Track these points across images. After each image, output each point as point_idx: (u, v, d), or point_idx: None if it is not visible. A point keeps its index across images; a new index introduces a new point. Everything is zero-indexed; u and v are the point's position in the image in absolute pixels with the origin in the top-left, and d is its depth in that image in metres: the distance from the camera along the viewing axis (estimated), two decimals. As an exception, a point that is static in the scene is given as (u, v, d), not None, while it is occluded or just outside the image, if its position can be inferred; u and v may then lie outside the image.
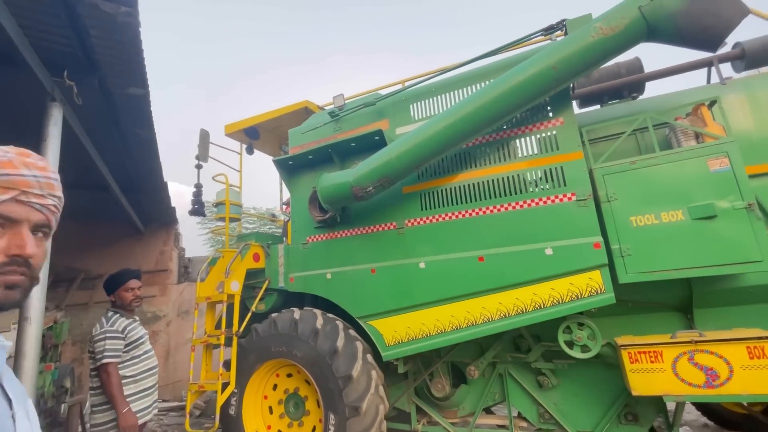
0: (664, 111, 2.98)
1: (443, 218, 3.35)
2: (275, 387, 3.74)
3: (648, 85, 3.42)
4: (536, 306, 2.95)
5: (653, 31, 2.58)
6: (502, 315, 3.04)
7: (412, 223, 3.45)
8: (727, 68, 3.30)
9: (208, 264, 4.23)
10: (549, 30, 3.07)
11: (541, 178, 3.08)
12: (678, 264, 2.63)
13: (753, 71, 3.15)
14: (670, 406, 3.05)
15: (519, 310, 2.99)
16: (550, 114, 3.10)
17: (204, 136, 4.24)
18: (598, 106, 3.60)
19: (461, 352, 3.64)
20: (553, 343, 3.19)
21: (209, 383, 3.61)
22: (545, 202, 3.03)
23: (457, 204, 3.31)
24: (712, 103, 2.80)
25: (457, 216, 3.30)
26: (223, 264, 3.97)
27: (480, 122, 2.97)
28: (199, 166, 4.25)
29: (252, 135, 4.83)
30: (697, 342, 2.61)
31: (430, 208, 3.41)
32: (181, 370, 7.78)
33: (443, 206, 3.36)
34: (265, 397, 3.74)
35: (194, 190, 4.38)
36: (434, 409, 3.72)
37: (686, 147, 2.75)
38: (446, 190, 3.38)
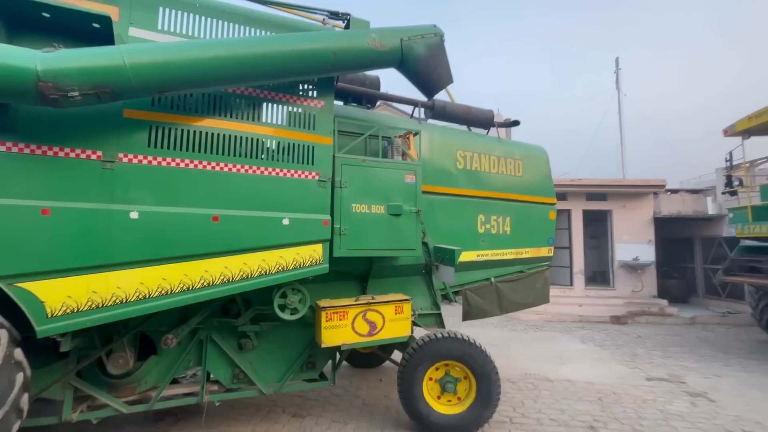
0: (389, 128, 3.80)
1: (178, 164, 2.78)
2: None
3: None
4: (262, 272, 3.01)
5: (403, 63, 3.25)
6: (225, 280, 2.89)
7: (131, 160, 2.65)
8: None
9: None
10: (334, 15, 3.21)
11: (292, 151, 3.15)
12: (374, 246, 3.45)
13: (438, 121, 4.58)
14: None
15: (244, 276, 2.95)
16: (315, 95, 3.24)
17: None
18: (341, 103, 4.08)
19: (158, 319, 3.15)
20: (265, 306, 3.36)
21: None
22: (292, 175, 3.14)
23: (199, 152, 2.84)
24: (416, 133, 3.85)
25: (196, 165, 2.83)
26: None
27: (256, 70, 2.73)
28: None
29: None
30: (370, 303, 3.50)
31: (163, 147, 2.74)
32: None
33: (181, 150, 2.79)
34: None
35: None
36: (103, 389, 3.02)
37: (397, 160, 3.64)
38: (189, 131, 2.83)
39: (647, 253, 10.85)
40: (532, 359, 6.25)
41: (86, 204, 2.53)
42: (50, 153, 2.48)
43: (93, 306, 2.51)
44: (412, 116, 4.43)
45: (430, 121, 4.53)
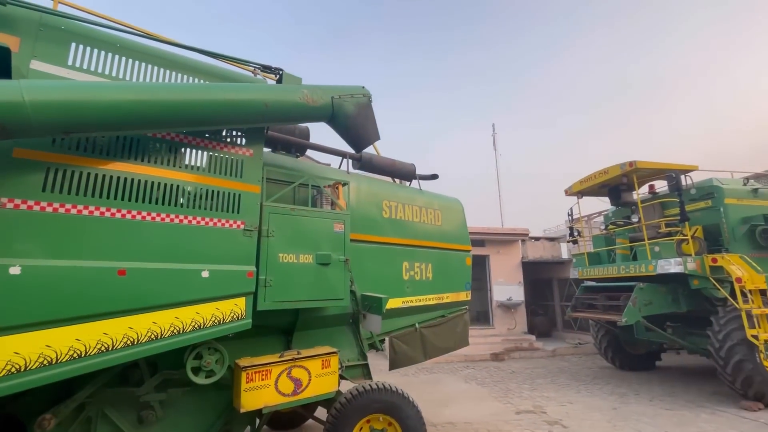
0: (319, 177, 3.87)
1: (80, 211, 2.40)
2: None
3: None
4: (174, 331, 2.68)
5: (333, 118, 3.44)
6: (128, 342, 2.50)
7: (19, 206, 2.21)
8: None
9: None
10: (266, 69, 3.27)
11: (216, 198, 2.99)
12: (301, 296, 3.36)
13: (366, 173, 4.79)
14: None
15: (152, 336, 2.59)
16: (244, 142, 3.18)
17: None
18: (270, 150, 4.03)
19: (34, 396, 2.52)
20: (175, 370, 2.95)
21: None
22: (215, 224, 2.95)
23: (108, 198, 2.51)
24: (345, 183, 3.99)
25: (103, 213, 2.48)
26: None
27: (182, 117, 2.61)
28: None
29: None
30: (295, 359, 3.34)
31: (62, 192, 2.35)
32: None
33: (85, 195, 2.43)
34: None
35: None
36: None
37: (326, 210, 3.70)
38: (96, 175, 2.49)
39: (518, 294, 12.48)
40: (419, 404, 6.41)
41: (-56, 257, 2.00)
42: None
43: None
44: (339, 167, 4.59)
45: (357, 171, 4.74)
